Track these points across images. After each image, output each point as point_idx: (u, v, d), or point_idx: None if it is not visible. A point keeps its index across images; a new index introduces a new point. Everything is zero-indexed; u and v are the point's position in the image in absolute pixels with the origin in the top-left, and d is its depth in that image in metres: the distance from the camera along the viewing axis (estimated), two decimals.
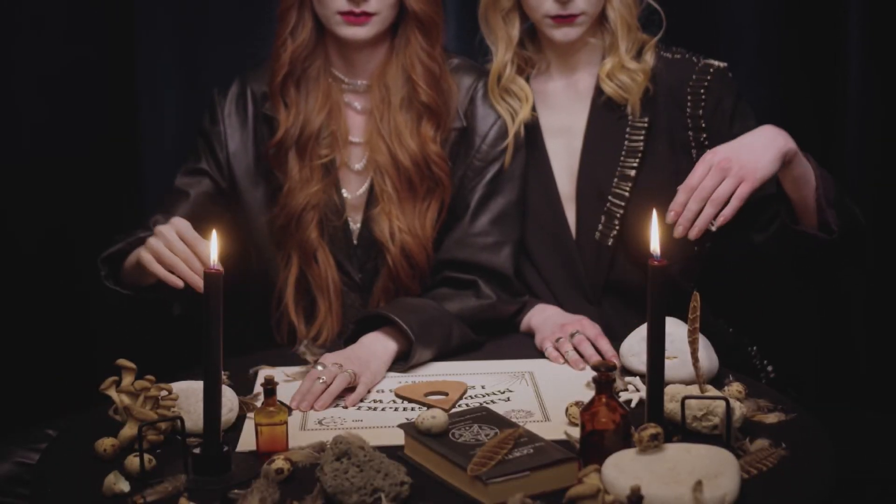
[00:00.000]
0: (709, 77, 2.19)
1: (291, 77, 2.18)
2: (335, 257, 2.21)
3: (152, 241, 1.89)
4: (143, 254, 1.89)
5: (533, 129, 2.26)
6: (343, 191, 2.22)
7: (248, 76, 2.27)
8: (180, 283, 1.86)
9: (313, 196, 2.18)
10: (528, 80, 2.27)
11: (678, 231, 1.91)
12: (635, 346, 1.94)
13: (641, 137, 2.20)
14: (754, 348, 2.32)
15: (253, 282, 2.26)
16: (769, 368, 2.30)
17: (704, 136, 2.18)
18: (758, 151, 1.90)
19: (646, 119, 2.20)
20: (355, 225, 2.23)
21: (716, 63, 2.21)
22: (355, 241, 2.23)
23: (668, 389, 1.69)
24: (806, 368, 2.61)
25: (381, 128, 2.18)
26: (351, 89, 2.23)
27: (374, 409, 1.86)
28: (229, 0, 2.65)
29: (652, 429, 1.48)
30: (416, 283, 2.21)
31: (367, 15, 2.10)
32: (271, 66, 2.20)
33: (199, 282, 1.83)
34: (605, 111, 2.23)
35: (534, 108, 2.25)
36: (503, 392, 1.91)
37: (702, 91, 2.18)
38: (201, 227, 2.16)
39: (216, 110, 2.25)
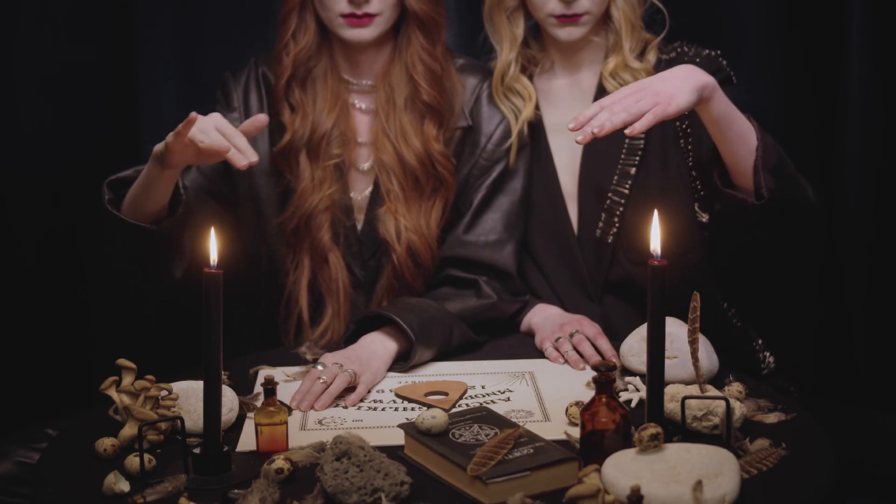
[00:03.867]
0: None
1: (295, 79, 2.18)
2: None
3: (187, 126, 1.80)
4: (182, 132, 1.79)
5: (536, 127, 2.26)
6: (350, 191, 2.22)
7: (260, 59, 2.25)
8: (227, 145, 1.79)
9: (327, 198, 2.17)
10: (531, 78, 2.28)
11: (578, 138, 1.77)
12: (635, 346, 1.94)
13: (642, 136, 2.20)
14: (759, 341, 2.32)
15: (261, 283, 2.26)
16: (770, 359, 2.30)
17: (686, 122, 2.17)
18: (674, 82, 1.84)
19: None
20: (358, 224, 2.23)
21: (706, 51, 2.21)
22: (358, 240, 2.23)
23: (668, 389, 1.69)
24: (805, 364, 2.61)
25: (387, 128, 2.18)
26: (356, 90, 2.23)
27: (374, 409, 1.86)
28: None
29: (652, 429, 1.48)
30: (420, 281, 2.21)
31: (369, 16, 2.10)
32: (274, 69, 2.20)
33: (241, 157, 1.79)
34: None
35: (537, 106, 2.26)
36: (503, 392, 1.91)
37: None
38: (206, 197, 2.15)
39: (231, 95, 2.23)
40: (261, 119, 1.89)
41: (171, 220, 1.95)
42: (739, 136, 1.92)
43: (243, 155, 1.80)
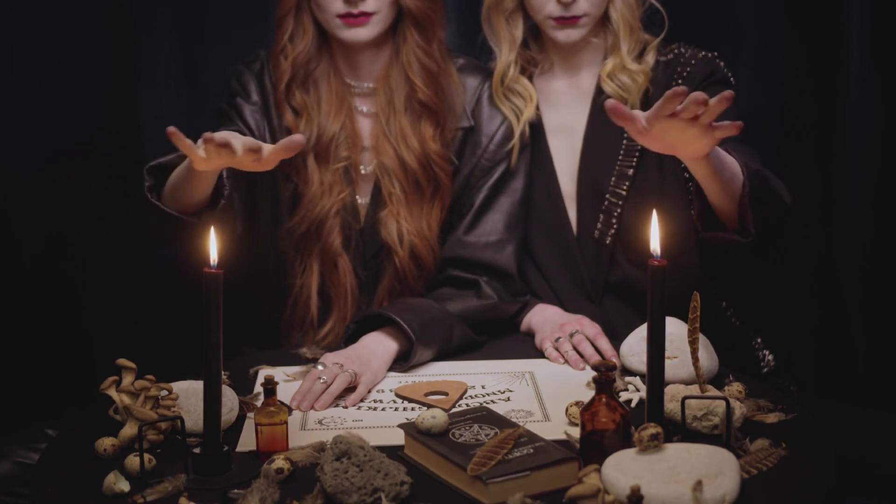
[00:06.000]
0: (689, 68, 2.19)
1: (295, 82, 2.17)
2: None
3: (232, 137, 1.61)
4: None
5: (536, 128, 2.26)
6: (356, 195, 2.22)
7: (269, 54, 2.23)
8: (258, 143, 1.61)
9: (339, 202, 2.17)
10: (531, 79, 2.28)
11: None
12: (635, 346, 1.94)
13: None
14: (759, 340, 2.33)
15: (266, 284, 2.25)
16: (770, 358, 2.30)
17: None
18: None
19: None
20: (360, 226, 2.23)
21: (703, 53, 2.21)
22: (361, 242, 2.22)
23: (668, 389, 1.69)
24: (805, 364, 2.62)
25: (387, 131, 2.18)
26: (357, 92, 2.23)
27: (374, 408, 1.86)
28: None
29: (652, 429, 1.48)
30: (422, 283, 2.21)
31: (366, 15, 2.10)
32: (272, 72, 2.20)
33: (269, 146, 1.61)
34: (605, 111, 2.22)
35: (537, 107, 2.26)
36: (503, 392, 1.91)
37: (680, 81, 2.18)
38: (239, 186, 2.09)
39: (249, 87, 2.20)
40: (297, 141, 1.63)
41: (210, 212, 1.88)
42: (731, 175, 1.78)
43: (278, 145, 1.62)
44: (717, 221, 1.88)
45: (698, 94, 1.56)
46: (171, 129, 1.55)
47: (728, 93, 1.56)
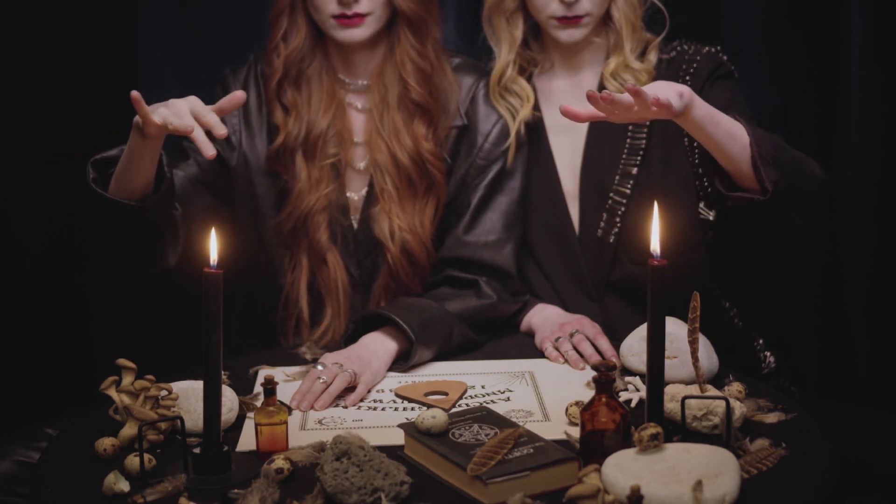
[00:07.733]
0: (695, 64, 2.19)
1: (287, 80, 2.18)
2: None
3: (161, 107, 1.78)
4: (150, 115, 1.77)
5: (537, 127, 2.26)
6: (347, 191, 2.22)
7: (259, 57, 2.25)
8: (191, 125, 1.73)
9: (324, 198, 2.17)
10: (531, 78, 2.28)
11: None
12: (635, 346, 1.94)
13: (643, 136, 2.20)
14: (760, 341, 2.33)
15: (260, 283, 2.25)
16: (771, 359, 2.30)
17: None
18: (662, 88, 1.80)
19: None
20: (354, 223, 2.23)
21: (706, 48, 2.21)
22: (355, 239, 2.23)
23: (668, 389, 1.69)
24: (807, 364, 2.61)
25: (381, 127, 2.19)
26: (352, 89, 2.23)
27: (374, 408, 1.86)
28: None
29: (652, 429, 1.48)
30: (417, 281, 2.21)
31: (360, 16, 2.11)
32: (263, 72, 2.20)
33: (207, 147, 1.74)
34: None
35: (538, 107, 2.26)
36: (503, 392, 1.91)
37: (687, 78, 2.18)
38: (203, 189, 2.15)
39: (230, 90, 2.19)
40: (237, 96, 1.83)
41: (156, 196, 1.91)
42: (728, 134, 1.85)
43: (207, 143, 1.74)
44: (740, 188, 1.93)
45: (602, 96, 1.69)
46: (136, 94, 1.73)
47: (629, 85, 1.66)
